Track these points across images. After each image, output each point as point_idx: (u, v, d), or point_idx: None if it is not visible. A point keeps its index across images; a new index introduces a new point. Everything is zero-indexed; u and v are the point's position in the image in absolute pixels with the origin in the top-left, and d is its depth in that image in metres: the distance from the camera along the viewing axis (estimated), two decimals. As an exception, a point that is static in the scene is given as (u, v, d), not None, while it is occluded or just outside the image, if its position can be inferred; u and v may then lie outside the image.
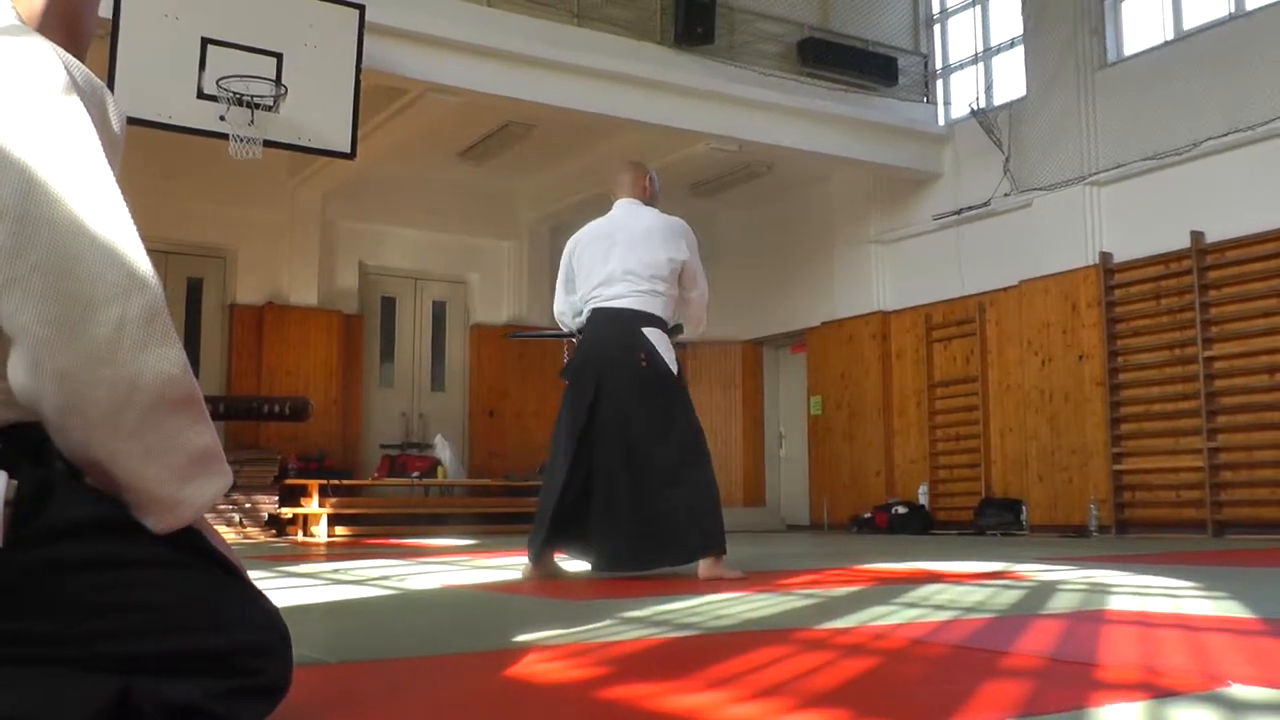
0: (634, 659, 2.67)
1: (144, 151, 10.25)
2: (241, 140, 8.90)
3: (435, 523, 13.22)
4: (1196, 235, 10.68)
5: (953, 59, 13.87)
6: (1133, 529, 11.07)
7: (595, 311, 5.56)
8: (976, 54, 13.46)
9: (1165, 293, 11.06)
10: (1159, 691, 2.04)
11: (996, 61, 13.23)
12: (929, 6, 14.10)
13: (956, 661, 2.61)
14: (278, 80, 8.99)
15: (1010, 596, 4.27)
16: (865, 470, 13.99)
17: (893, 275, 13.99)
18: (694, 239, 5.70)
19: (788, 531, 14.06)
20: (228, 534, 11.21)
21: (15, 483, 1.42)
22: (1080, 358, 11.61)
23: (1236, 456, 10.44)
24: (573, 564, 5.62)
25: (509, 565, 6.75)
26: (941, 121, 13.62)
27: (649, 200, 5.83)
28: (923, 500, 13.11)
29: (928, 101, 13.71)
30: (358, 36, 9.31)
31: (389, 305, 14.72)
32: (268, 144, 9.08)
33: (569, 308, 5.78)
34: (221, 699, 1.50)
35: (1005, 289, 12.53)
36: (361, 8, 9.32)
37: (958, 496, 12.90)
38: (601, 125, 11.83)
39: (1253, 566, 6.25)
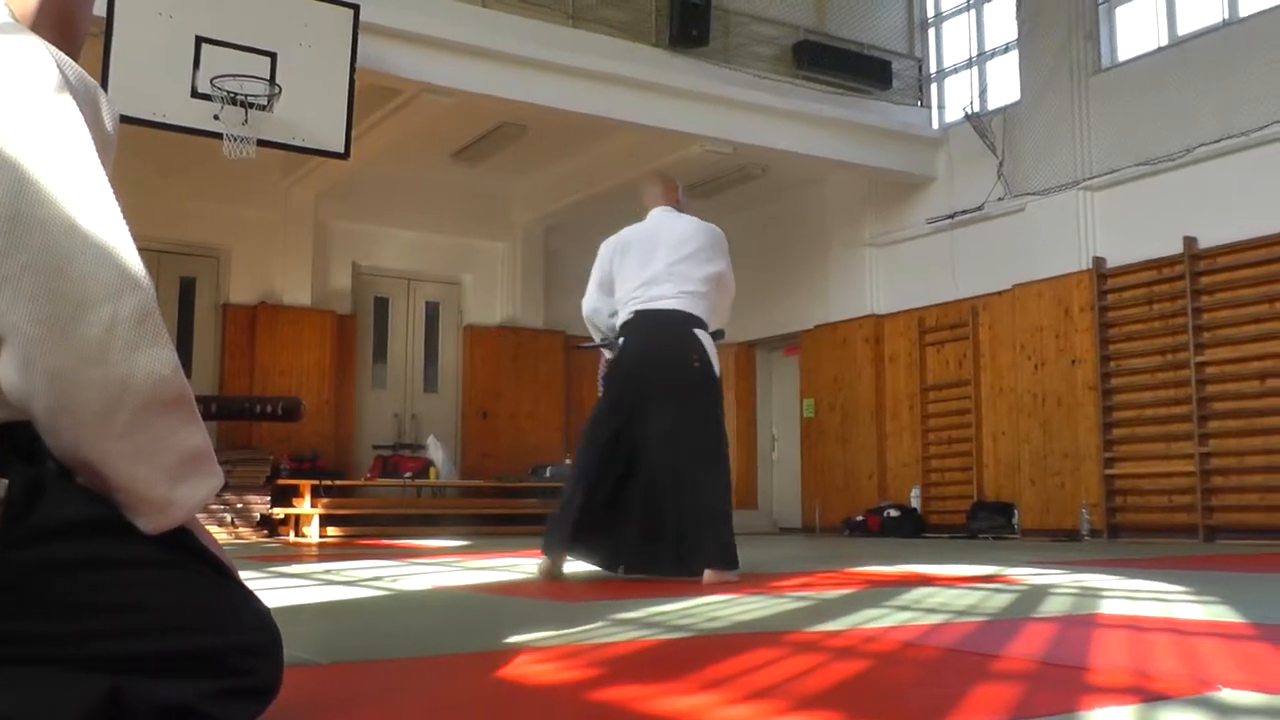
0: (626, 660, 2.67)
1: (138, 150, 10.25)
2: (235, 139, 8.89)
3: (428, 524, 13.19)
4: (1189, 241, 10.69)
5: (947, 63, 13.88)
6: (1124, 533, 11.08)
7: (640, 313, 5.52)
8: (971, 58, 13.48)
9: (1158, 298, 11.07)
10: (1149, 696, 2.04)
11: (991, 66, 13.25)
12: (924, 10, 14.11)
13: (948, 664, 2.62)
14: (272, 80, 8.98)
15: (1002, 600, 4.27)
16: (858, 473, 14.00)
17: (886, 278, 14.00)
18: (726, 244, 5.82)
19: (780, 534, 14.06)
20: (219, 534, 11.19)
21: (6, 482, 1.42)
22: (1073, 362, 11.62)
23: (1228, 462, 10.45)
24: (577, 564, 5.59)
25: (502, 566, 6.75)
26: (936, 125, 13.63)
27: (681, 208, 5.90)
28: (915, 503, 13.11)
29: (922, 105, 13.72)
30: (352, 36, 9.30)
31: (382, 306, 14.71)
32: (261, 143, 9.07)
33: (604, 306, 5.72)
34: (213, 699, 1.49)
35: (998, 293, 12.54)
36: (356, 7, 9.31)
37: (950, 500, 12.91)
38: (596, 127, 11.83)
39: (1243, 571, 6.25)
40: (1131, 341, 11.28)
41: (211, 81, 8.77)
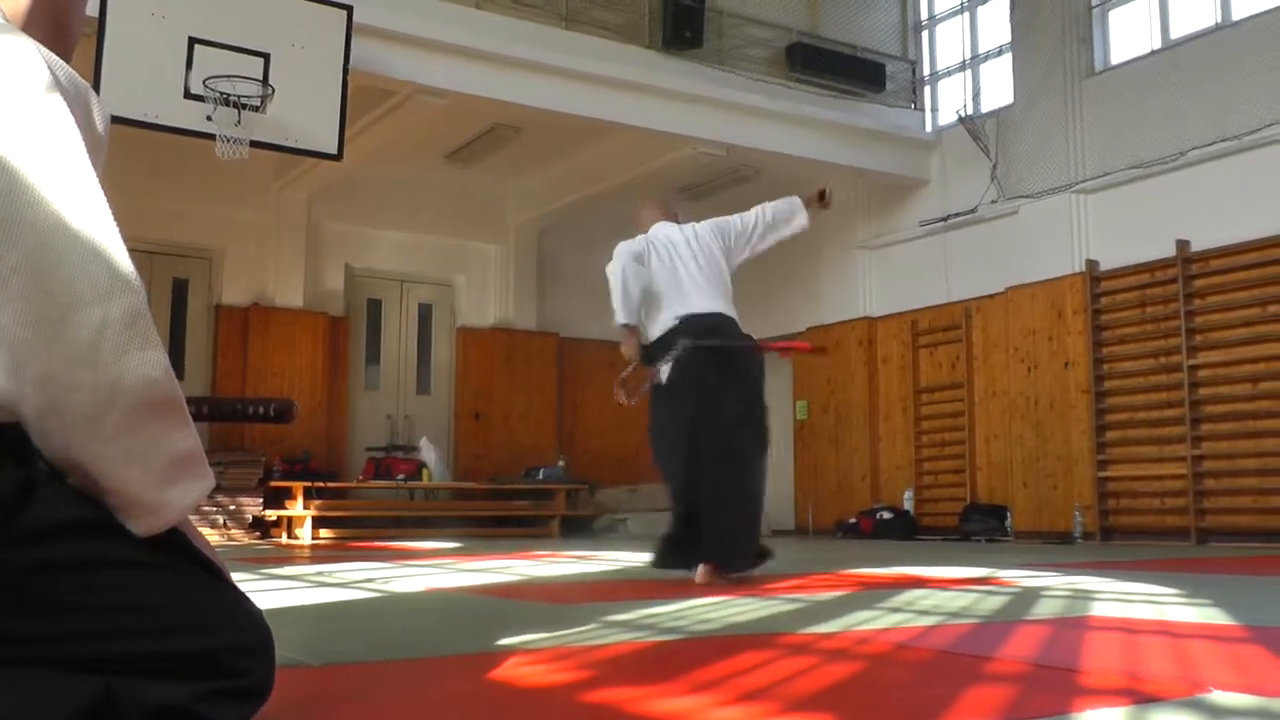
0: (618, 663, 2.67)
1: (130, 151, 10.22)
2: (228, 141, 8.88)
3: (420, 526, 13.19)
4: (1182, 244, 10.71)
5: (941, 66, 13.89)
6: (1117, 536, 11.09)
7: (694, 317, 5.57)
8: (964, 61, 13.48)
9: (1150, 301, 11.08)
10: (1141, 697, 2.04)
11: (984, 69, 13.26)
12: (917, 13, 14.12)
13: (940, 666, 2.62)
14: (265, 80, 8.97)
15: (994, 602, 4.27)
16: (850, 475, 14.01)
17: (880, 281, 14.00)
18: (723, 220, 5.96)
19: (772, 536, 14.03)
20: (212, 536, 11.18)
21: (-4, 482, 1.42)
22: (1066, 365, 11.63)
23: (1220, 464, 10.46)
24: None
25: (494, 568, 6.75)
26: (929, 128, 13.64)
27: (678, 219, 6.00)
28: (908, 506, 13.12)
29: (915, 108, 13.73)
30: (345, 37, 9.29)
31: (375, 307, 14.69)
32: (254, 144, 9.05)
33: (641, 275, 5.64)
34: (206, 700, 1.49)
35: (992, 296, 12.55)
36: (349, 8, 9.30)
37: (943, 502, 12.91)
38: (589, 129, 11.83)
39: (1235, 574, 6.26)
40: (1124, 344, 11.29)
41: (204, 82, 8.75)
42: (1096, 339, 11.40)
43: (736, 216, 5.99)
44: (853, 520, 13.17)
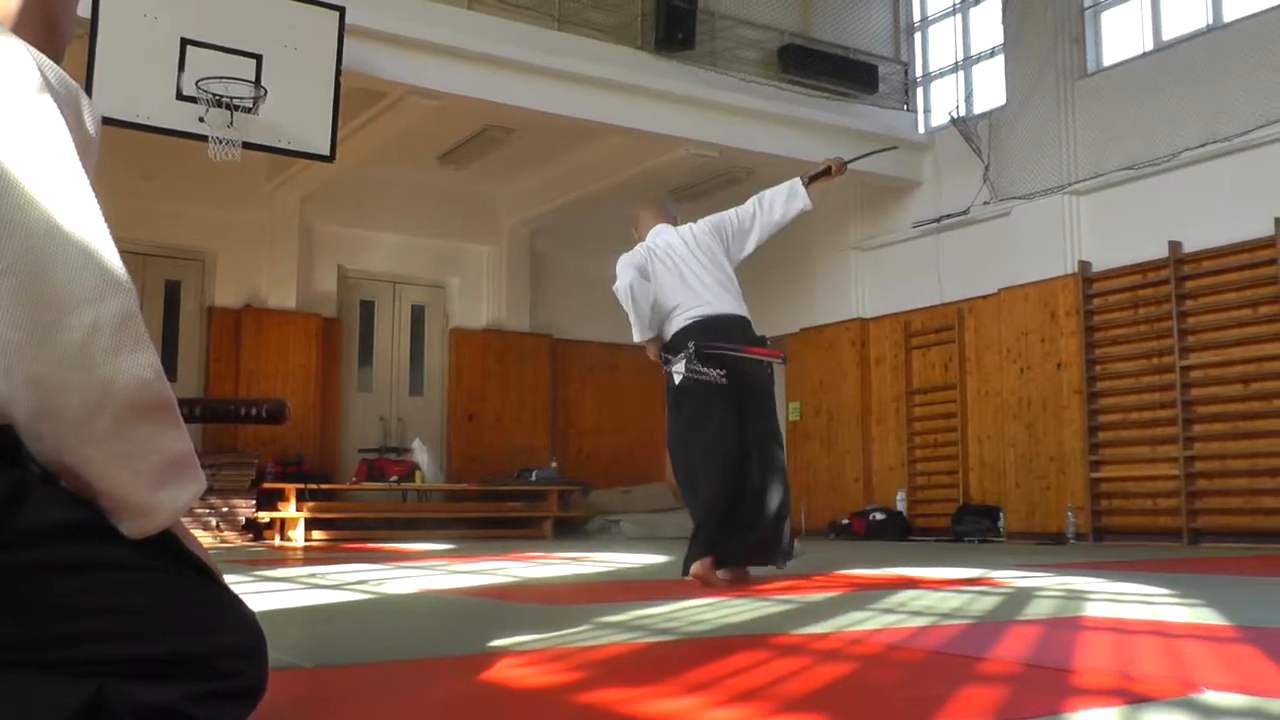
0: (610, 664, 2.67)
1: (122, 153, 10.21)
2: (220, 142, 8.86)
3: (413, 527, 13.18)
4: (1174, 245, 10.72)
5: (933, 67, 13.90)
6: (1109, 536, 11.10)
7: (709, 318, 5.58)
8: (957, 62, 13.50)
9: (1143, 302, 11.10)
10: (1134, 697, 2.05)
11: (977, 70, 13.27)
12: (910, 14, 14.13)
13: (933, 667, 2.62)
14: (257, 82, 8.95)
15: (987, 603, 4.28)
16: (843, 476, 14.01)
17: (872, 282, 14.02)
18: (719, 218, 5.97)
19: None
20: (204, 538, 11.16)
21: (-12, 485, 1.41)
22: (1058, 366, 11.65)
23: (1212, 465, 10.48)
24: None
25: (487, 570, 6.75)
26: (921, 129, 13.65)
27: (674, 222, 6.02)
28: (900, 507, 13.12)
29: (908, 109, 13.74)
30: (338, 38, 9.27)
31: (368, 309, 14.68)
32: (247, 146, 9.03)
33: (647, 289, 5.64)
34: (198, 702, 1.49)
35: (984, 297, 12.56)
36: (341, 9, 9.29)
37: (935, 503, 12.92)
38: (581, 130, 11.82)
39: (1227, 574, 6.28)
40: (1117, 345, 11.30)
41: (196, 83, 8.73)
42: (1089, 340, 11.41)
43: (733, 211, 6.00)
44: (845, 521, 13.18)
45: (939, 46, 13.90)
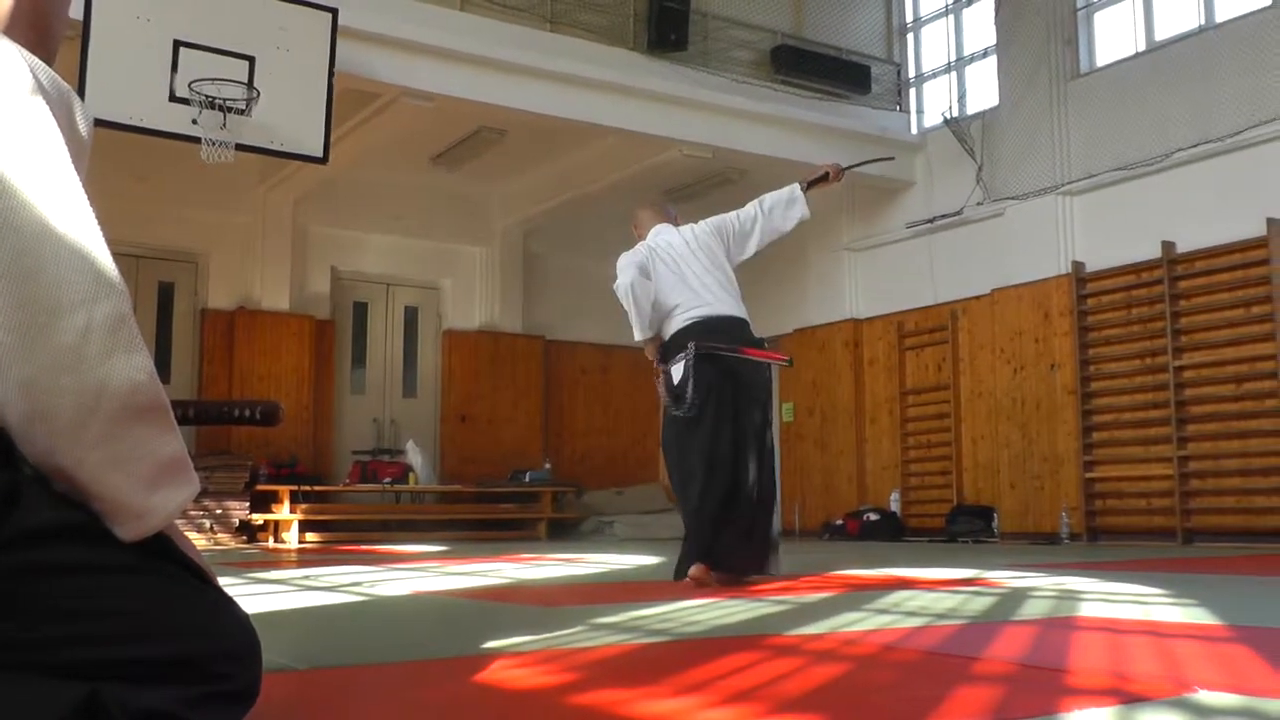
0: (604, 665, 2.67)
1: (115, 155, 10.19)
2: (213, 144, 8.85)
3: (407, 529, 13.18)
4: (1167, 245, 10.74)
5: (926, 68, 13.92)
6: (1103, 536, 11.12)
7: (709, 319, 5.58)
8: (949, 63, 13.51)
9: (1136, 302, 11.12)
10: (1127, 697, 2.05)
11: (969, 71, 13.29)
12: (902, 15, 14.15)
13: (927, 667, 2.62)
14: (250, 83, 8.94)
15: (981, 603, 4.28)
16: (837, 477, 14.02)
17: (866, 283, 14.03)
18: (720, 220, 5.97)
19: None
20: (198, 540, 11.15)
21: (-19, 487, 1.41)
22: (1052, 366, 11.66)
23: (1205, 465, 10.49)
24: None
25: (481, 572, 6.74)
26: (914, 130, 13.67)
27: (675, 222, 6.03)
28: (894, 507, 13.13)
29: (901, 110, 13.76)
30: (330, 40, 9.27)
31: (361, 310, 14.66)
32: (240, 148, 9.02)
33: (649, 288, 5.63)
34: (192, 705, 1.49)
35: (978, 297, 12.57)
36: (334, 11, 9.28)
37: (929, 504, 12.93)
38: (574, 131, 11.81)
39: (1220, 574, 6.28)
40: (1110, 345, 11.32)
41: (189, 85, 8.73)
42: (1082, 340, 11.43)
43: (734, 214, 6.00)
44: (839, 522, 13.19)
45: (931, 47, 13.93)
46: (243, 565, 7.54)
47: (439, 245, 14.90)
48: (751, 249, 6.01)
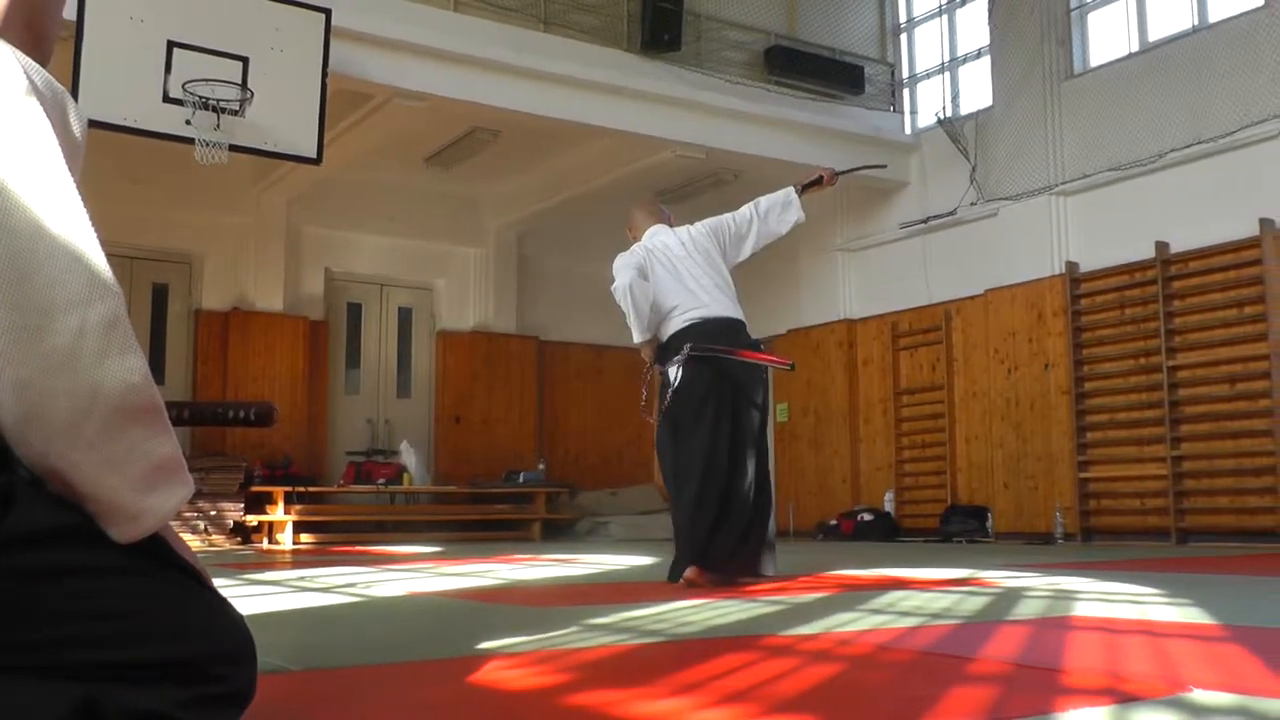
0: (598, 665, 2.67)
1: (108, 156, 10.18)
2: (207, 145, 8.84)
3: (401, 530, 13.17)
4: (1161, 245, 10.75)
5: (919, 68, 13.93)
6: (1098, 536, 11.13)
7: (706, 320, 5.58)
8: (943, 63, 13.52)
9: (1130, 302, 11.13)
10: (1122, 697, 2.05)
11: (963, 71, 13.30)
12: (896, 16, 14.16)
13: (922, 667, 2.62)
14: (244, 84, 8.94)
15: (976, 603, 4.28)
16: (831, 477, 14.03)
17: (859, 283, 14.04)
18: (716, 221, 5.98)
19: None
20: (193, 541, 11.13)
21: (-24, 490, 1.41)
22: (1046, 366, 11.67)
23: (1199, 465, 10.51)
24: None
25: (475, 572, 6.74)
26: (908, 130, 13.68)
27: (670, 222, 6.04)
28: (888, 507, 13.14)
29: (894, 110, 13.77)
30: (324, 41, 9.26)
31: (355, 311, 14.65)
32: (233, 149, 9.02)
33: (646, 289, 5.63)
34: (187, 707, 1.48)
35: (971, 297, 12.58)
36: (327, 12, 9.28)
37: (924, 504, 12.94)
38: (568, 132, 11.81)
39: (1215, 573, 6.29)
40: (1104, 345, 11.33)
41: (183, 86, 8.72)
42: (1076, 340, 11.44)
43: (729, 216, 6.00)
44: (833, 522, 13.20)
45: (925, 47, 13.94)
46: (237, 566, 7.53)
47: (433, 246, 14.89)
48: (747, 251, 6.01)
